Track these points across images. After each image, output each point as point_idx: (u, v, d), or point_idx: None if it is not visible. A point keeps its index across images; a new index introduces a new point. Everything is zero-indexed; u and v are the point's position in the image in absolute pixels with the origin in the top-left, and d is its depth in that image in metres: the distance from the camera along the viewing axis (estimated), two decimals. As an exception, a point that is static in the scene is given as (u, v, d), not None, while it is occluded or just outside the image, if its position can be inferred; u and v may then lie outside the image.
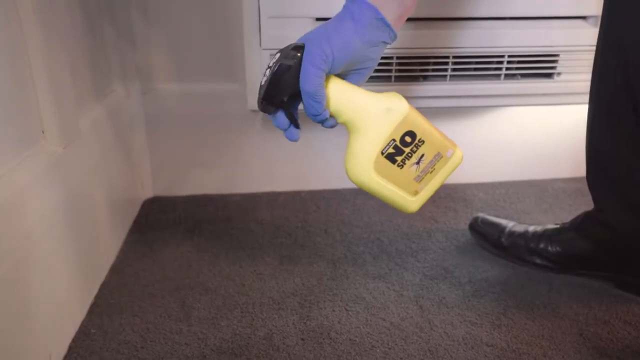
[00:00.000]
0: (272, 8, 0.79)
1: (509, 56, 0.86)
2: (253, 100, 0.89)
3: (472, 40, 0.83)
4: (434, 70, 0.86)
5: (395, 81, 0.86)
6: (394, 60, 0.84)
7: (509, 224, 0.87)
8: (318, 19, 0.80)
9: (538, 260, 0.82)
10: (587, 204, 0.79)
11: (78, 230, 0.71)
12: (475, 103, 0.90)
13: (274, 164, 1.06)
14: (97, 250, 0.78)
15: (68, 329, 0.67)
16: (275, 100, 0.51)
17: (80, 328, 0.69)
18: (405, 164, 0.53)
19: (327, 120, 0.52)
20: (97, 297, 0.75)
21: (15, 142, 0.61)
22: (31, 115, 0.65)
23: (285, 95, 0.50)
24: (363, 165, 0.52)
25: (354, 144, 0.52)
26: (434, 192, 0.56)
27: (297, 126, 0.54)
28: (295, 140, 0.54)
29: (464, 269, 0.83)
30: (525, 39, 0.84)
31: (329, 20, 0.50)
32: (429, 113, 1.05)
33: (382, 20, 0.49)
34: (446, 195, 1.07)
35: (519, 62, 0.87)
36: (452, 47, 0.83)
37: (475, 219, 0.90)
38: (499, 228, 0.86)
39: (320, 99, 0.49)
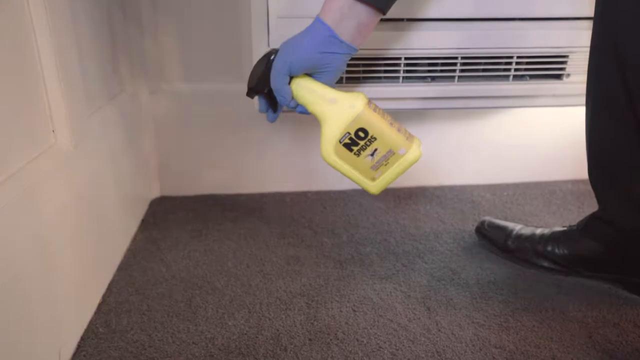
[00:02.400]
0: (281, 8, 0.79)
1: (518, 57, 0.85)
2: (261, 101, 0.89)
3: (481, 41, 0.83)
4: (442, 71, 0.86)
5: (403, 82, 0.86)
6: (402, 61, 0.84)
7: (516, 227, 0.86)
8: (326, 20, 0.80)
9: (546, 263, 0.81)
10: (595, 206, 0.79)
11: (87, 229, 0.71)
12: (483, 104, 0.89)
13: (281, 165, 1.06)
14: (105, 249, 0.79)
15: (77, 327, 0.67)
16: (255, 89, 0.65)
17: (88, 326, 0.69)
18: (360, 154, 0.63)
19: (296, 107, 0.65)
20: (105, 295, 0.75)
21: (26, 141, 0.62)
22: (42, 115, 0.65)
23: (263, 87, 0.64)
24: (327, 149, 0.63)
25: (321, 131, 0.63)
26: (390, 182, 0.65)
27: (274, 111, 0.70)
28: (271, 122, 0.70)
29: (472, 270, 0.82)
30: (534, 39, 0.83)
31: (299, 32, 0.62)
32: (437, 114, 1.06)
33: (335, 37, 0.59)
34: (453, 196, 1.06)
35: (527, 63, 0.86)
36: (460, 48, 0.83)
37: (482, 223, 0.90)
38: (506, 231, 0.86)
39: (284, 93, 0.63)
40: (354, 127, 0.61)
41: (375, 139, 0.61)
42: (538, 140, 1.10)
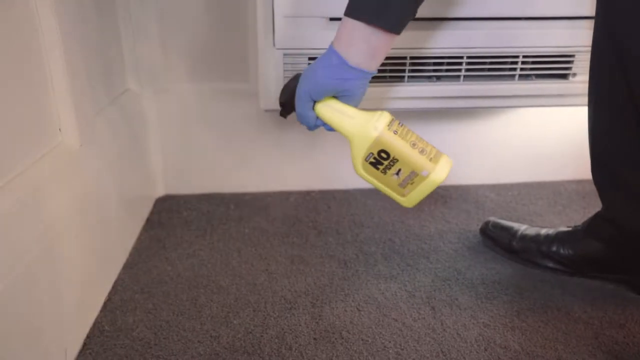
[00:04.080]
0: (286, 8, 0.79)
1: (524, 56, 0.85)
2: (266, 100, 0.89)
3: (486, 40, 0.83)
4: (447, 70, 0.85)
5: (408, 81, 0.86)
6: (407, 61, 0.84)
7: (521, 227, 0.86)
8: (332, 19, 0.80)
9: (550, 264, 0.81)
10: (600, 206, 0.79)
11: (92, 228, 0.71)
12: (489, 104, 0.89)
13: (285, 164, 1.06)
14: (110, 248, 0.79)
15: (83, 325, 0.68)
16: (286, 110, 0.68)
17: (94, 324, 0.69)
18: (386, 172, 0.63)
19: (325, 126, 0.67)
20: (111, 294, 0.76)
21: (34, 139, 0.62)
22: (49, 114, 0.65)
23: (292, 108, 0.66)
24: (356, 164, 0.65)
25: (350, 148, 0.65)
26: (421, 199, 0.65)
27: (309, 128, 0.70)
28: (311, 130, 0.69)
29: (476, 270, 0.82)
30: (540, 39, 0.83)
31: (316, 59, 0.63)
32: (442, 114, 1.05)
33: (346, 64, 0.60)
34: (458, 196, 1.06)
35: (533, 62, 0.86)
36: (466, 47, 0.83)
37: (487, 223, 0.90)
38: (511, 232, 0.86)
39: (308, 119, 0.65)
40: (375, 148, 0.62)
41: (397, 160, 0.62)
42: (543, 140, 1.10)
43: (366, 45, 0.59)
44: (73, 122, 0.68)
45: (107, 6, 0.85)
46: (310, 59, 0.81)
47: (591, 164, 0.75)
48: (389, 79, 0.86)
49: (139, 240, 0.90)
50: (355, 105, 0.65)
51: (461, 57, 0.84)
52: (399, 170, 0.62)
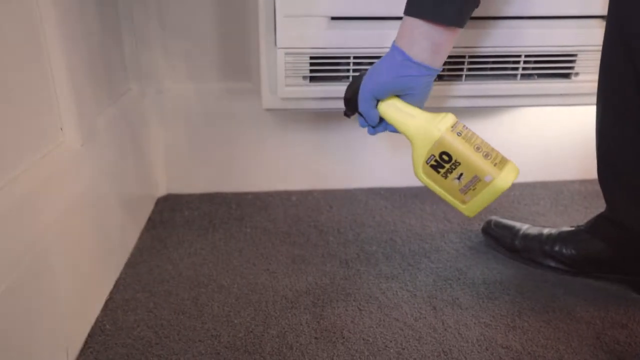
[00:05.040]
0: (288, 7, 0.79)
1: (526, 56, 0.85)
2: (268, 99, 0.89)
3: (488, 39, 0.82)
4: (449, 69, 0.85)
5: (410, 81, 0.85)
6: (409, 60, 0.84)
7: (523, 227, 0.86)
8: (333, 18, 0.80)
9: (553, 264, 0.81)
10: (603, 206, 0.78)
11: (94, 227, 0.71)
12: (491, 103, 0.89)
13: (287, 163, 1.07)
14: (112, 247, 0.79)
15: (84, 324, 0.68)
16: (350, 109, 0.68)
17: (95, 323, 0.69)
18: (447, 176, 0.62)
19: (387, 127, 0.67)
20: (112, 293, 0.76)
21: (35, 138, 0.62)
22: (50, 113, 0.66)
23: (355, 108, 0.66)
24: (416, 167, 0.63)
25: (412, 149, 0.63)
26: (482, 207, 0.62)
27: (372, 127, 0.70)
28: (372, 135, 0.70)
29: (478, 270, 0.82)
30: (542, 38, 0.83)
31: (381, 58, 0.63)
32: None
33: (409, 60, 0.59)
34: (460, 196, 1.06)
35: (535, 62, 0.86)
36: (468, 47, 0.83)
37: (489, 222, 0.89)
38: (513, 231, 0.85)
39: (371, 117, 0.65)
40: (437, 150, 0.60)
41: (459, 163, 0.60)
42: (546, 139, 1.09)
43: (429, 42, 0.59)
44: (75, 121, 0.69)
45: (109, 6, 0.85)
46: (311, 58, 0.81)
47: (597, 165, 0.75)
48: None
49: (141, 239, 0.90)
50: (420, 106, 0.64)
51: (463, 57, 0.84)
52: (461, 174, 0.60)
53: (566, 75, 0.87)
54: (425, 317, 0.71)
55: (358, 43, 0.81)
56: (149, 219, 0.97)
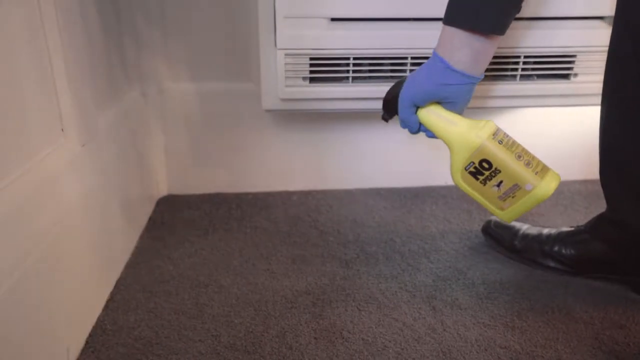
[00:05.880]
0: (288, 8, 0.79)
1: (525, 57, 0.85)
2: (268, 100, 0.89)
3: (488, 40, 0.83)
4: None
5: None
6: (409, 61, 0.84)
7: (523, 227, 0.86)
8: (333, 19, 0.80)
9: (552, 264, 0.81)
10: (603, 206, 0.78)
11: (95, 227, 0.72)
12: (490, 104, 0.89)
13: (287, 164, 1.07)
14: (112, 247, 0.79)
15: (85, 324, 0.68)
16: (389, 113, 0.69)
17: (96, 323, 0.70)
18: (486, 183, 0.62)
19: (427, 133, 0.67)
20: (113, 293, 0.76)
21: (36, 139, 0.62)
22: (52, 114, 0.66)
23: (394, 112, 0.67)
24: (456, 174, 0.64)
25: (450, 155, 0.63)
26: (521, 214, 0.63)
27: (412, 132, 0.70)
28: (414, 133, 0.70)
29: (477, 270, 0.82)
30: (541, 39, 0.83)
31: (421, 65, 0.64)
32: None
33: (450, 68, 0.60)
34: (459, 196, 1.06)
35: (535, 62, 0.86)
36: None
37: (489, 223, 0.90)
38: (513, 231, 0.86)
39: (410, 123, 0.66)
40: (477, 157, 0.61)
41: (499, 171, 0.60)
42: (545, 140, 1.09)
43: (469, 50, 0.59)
44: (76, 122, 0.69)
45: (110, 7, 0.85)
46: (311, 59, 0.82)
47: (600, 166, 0.75)
48: (389, 79, 0.86)
49: (141, 239, 0.90)
50: (460, 113, 0.64)
51: (462, 57, 0.84)
52: (501, 182, 0.60)
53: (565, 76, 0.88)
54: (424, 318, 0.72)
55: (358, 44, 0.81)
56: (150, 219, 0.97)
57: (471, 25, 0.58)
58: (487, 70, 0.87)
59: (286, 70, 0.82)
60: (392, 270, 0.82)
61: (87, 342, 0.67)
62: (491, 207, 0.64)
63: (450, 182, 1.11)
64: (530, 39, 0.83)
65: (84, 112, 0.71)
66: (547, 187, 0.59)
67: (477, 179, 0.62)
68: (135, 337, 0.67)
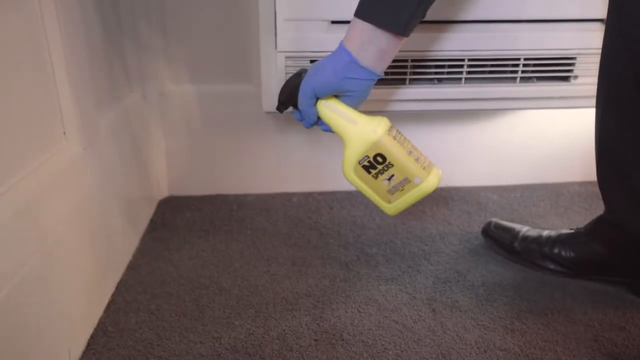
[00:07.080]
0: (288, 11, 0.79)
1: (525, 59, 0.85)
2: (268, 102, 0.89)
3: (488, 42, 0.83)
4: (449, 72, 0.86)
5: (409, 84, 0.86)
6: (409, 63, 0.84)
7: (523, 229, 0.86)
8: (333, 22, 0.80)
9: (552, 266, 0.81)
10: (602, 208, 0.79)
11: (96, 229, 0.72)
12: (490, 106, 0.89)
13: (288, 165, 1.07)
14: (114, 249, 0.80)
15: (86, 325, 0.68)
16: (284, 104, 0.68)
17: (98, 325, 0.70)
18: (378, 177, 0.64)
19: (322, 126, 0.68)
20: (114, 295, 0.76)
21: (38, 142, 0.63)
22: (53, 117, 0.66)
23: (292, 103, 0.67)
24: (348, 168, 0.66)
25: (344, 150, 0.65)
26: (406, 207, 0.66)
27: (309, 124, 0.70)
28: (307, 127, 0.70)
29: (477, 272, 0.82)
30: (541, 41, 0.83)
31: (325, 57, 0.63)
32: (443, 116, 1.06)
33: (356, 63, 0.60)
34: (460, 198, 1.06)
35: (535, 64, 0.86)
36: (467, 50, 0.83)
37: (489, 224, 0.90)
38: (513, 233, 0.86)
39: (309, 115, 0.65)
40: (372, 151, 0.63)
41: (392, 165, 0.63)
42: (545, 142, 1.10)
43: (376, 48, 0.60)
44: (77, 125, 0.69)
45: (110, 9, 0.86)
46: (312, 61, 0.82)
47: (597, 168, 0.75)
48: (390, 81, 0.86)
49: (142, 241, 0.91)
50: (356, 108, 0.66)
51: (462, 60, 0.84)
52: (392, 175, 0.63)
53: (565, 79, 0.88)
54: (424, 320, 0.72)
55: (358, 47, 0.81)
56: (151, 221, 0.97)
57: (384, 23, 0.58)
58: (488, 72, 0.87)
59: (286, 73, 0.83)
60: (392, 272, 0.82)
61: (88, 344, 0.67)
62: (379, 200, 0.67)
63: (451, 184, 1.11)
64: (530, 41, 0.83)
65: (85, 115, 0.71)
66: (432, 181, 0.63)
67: (370, 172, 0.64)
68: (136, 339, 0.68)
